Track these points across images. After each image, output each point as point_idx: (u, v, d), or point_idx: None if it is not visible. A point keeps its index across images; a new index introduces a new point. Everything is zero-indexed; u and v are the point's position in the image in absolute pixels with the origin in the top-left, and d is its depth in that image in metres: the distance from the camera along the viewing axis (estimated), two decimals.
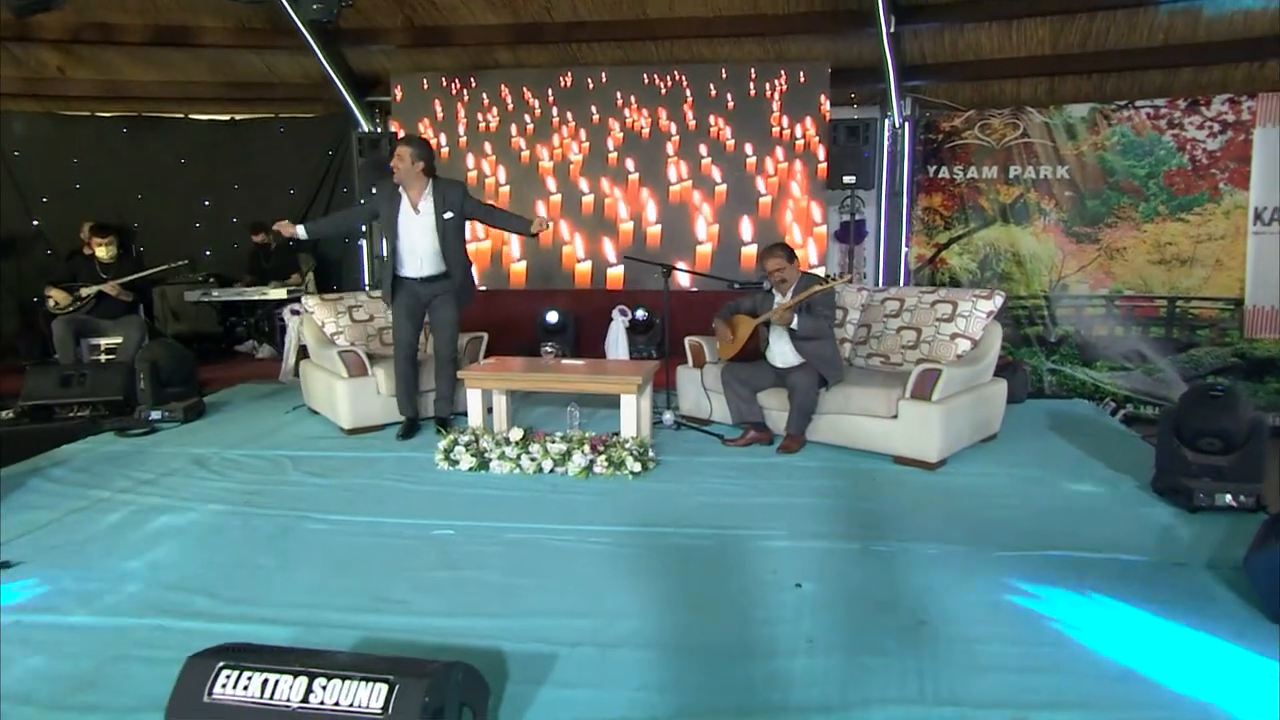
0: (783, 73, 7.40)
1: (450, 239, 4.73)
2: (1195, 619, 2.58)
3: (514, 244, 7.84)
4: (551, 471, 4.10)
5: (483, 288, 7.87)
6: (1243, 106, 6.52)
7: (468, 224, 4.94)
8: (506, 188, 7.81)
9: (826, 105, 7.31)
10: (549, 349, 4.69)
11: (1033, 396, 6.37)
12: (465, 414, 4.69)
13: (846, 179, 7.06)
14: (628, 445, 4.12)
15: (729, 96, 7.49)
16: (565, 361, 4.59)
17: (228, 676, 1.71)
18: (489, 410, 4.59)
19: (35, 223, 8.28)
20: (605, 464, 4.04)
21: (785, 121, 7.39)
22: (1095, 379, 6.95)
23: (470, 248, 7.68)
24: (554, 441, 4.15)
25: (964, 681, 2.27)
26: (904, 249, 7.57)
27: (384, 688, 1.65)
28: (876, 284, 7.71)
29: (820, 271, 7.28)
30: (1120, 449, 4.48)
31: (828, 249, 7.61)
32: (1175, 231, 6.78)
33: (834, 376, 4.38)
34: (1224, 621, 2.57)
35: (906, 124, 7.43)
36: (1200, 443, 3.54)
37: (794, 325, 4.34)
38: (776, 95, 7.41)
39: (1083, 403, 6.07)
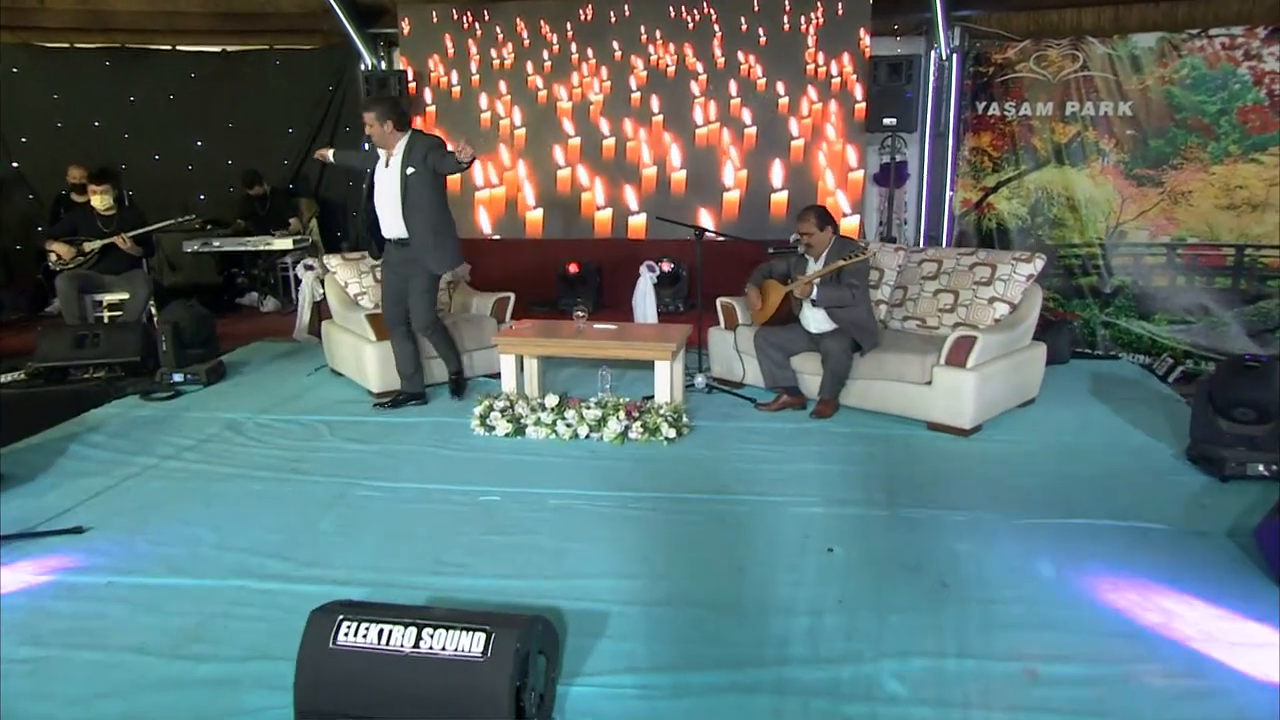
0: (819, 4, 7.76)
1: (412, 195, 4.97)
2: (1205, 585, 3.16)
3: (528, 190, 8.32)
4: (587, 437, 4.71)
5: (496, 237, 8.41)
6: None
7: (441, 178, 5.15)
8: (522, 130, 8.28)
9: (866, 40, 7.69)
10: (579, 312, 5.23)
11: (1081, 354, 6.88)
12: (498, 375, 5.27)
13: (887, 121, 7.46)
14: (662, 411, 4.70)
15: (760, 31, 7.88)
16: (597, 326, 5.13)
17: (348, 627, 2.32)
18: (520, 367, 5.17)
19: (15, 165, 8.81)
20: (640, 430, 4.64)
21: (821, 59, 7.78)
22: (1152, 333, 7.38)
23: (483, 194, 8.27)
24: (589, 408, 4.74)
25: (981, 638, 2.86)
26: (948, 193, 7.96)
27: (482, 636, 2.25)
28: (918, 230, 8.17)
29: (856, 221, 7.75)
30: (1161, 414, 5.02)
31: (863, 195, 8.04)
32: (1247, 173, 7.05)
33: (868, 342, 4.93)
34: (1231, 587, 3.15)
35: (954, 56, 7.76)
36: (1235, 412, 4.09)
37: (813, 297, 4.88)
38: (812, 30, 7.79)
39: (1128, 364, 6.57)
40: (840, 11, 7.73)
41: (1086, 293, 7.56)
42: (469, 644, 2.24)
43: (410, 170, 4.94)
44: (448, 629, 2.27)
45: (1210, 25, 7.11)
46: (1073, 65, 7.54)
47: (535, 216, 8.37)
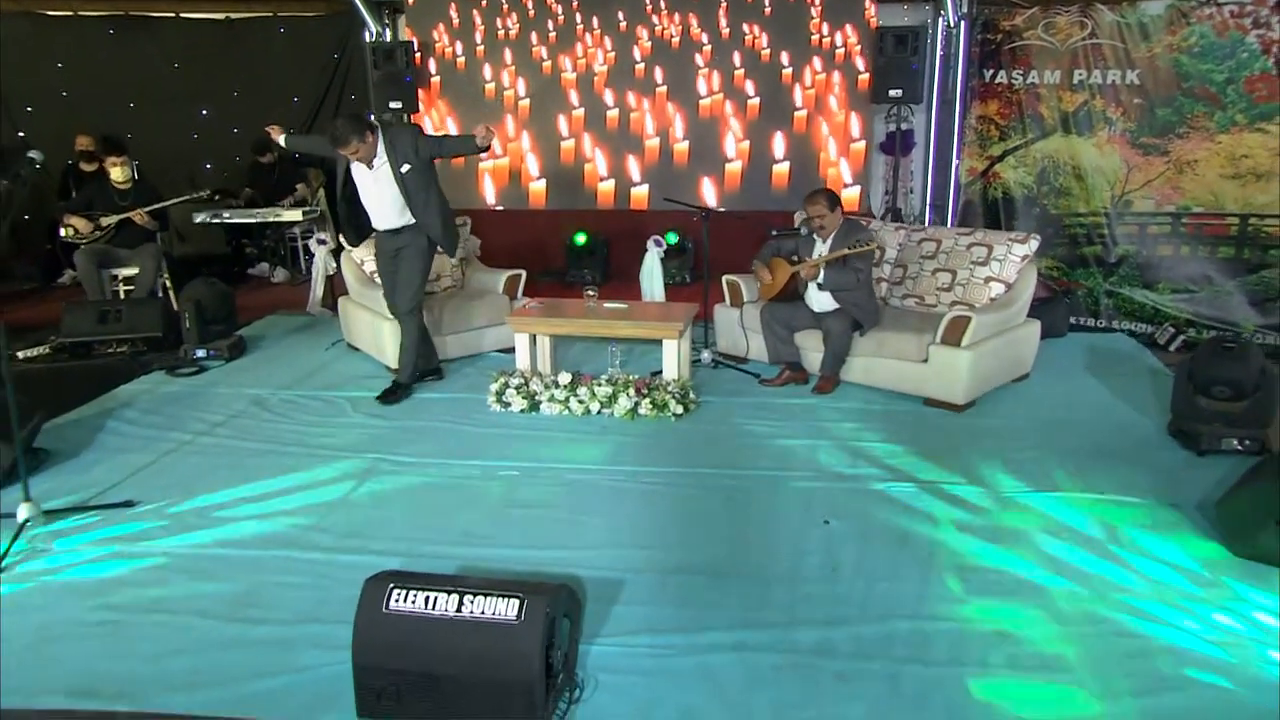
0: None
1: (415, 190, 5.18)
2: (1168, 555, 3.59)
3: (531, 161, 8.67)
4: (599, 413, 5.13)
5: (500, 208, 8.77)
6: None
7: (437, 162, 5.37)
8: (526, 101, 8.63)
9: (872, 10, 7.98)
10: (589, 291, 5.61)
11: (1079, 327, 7.26)
12: (511, 350, 5.67)
13: (893, 92, 7.78)
14: (670, 388, 5.11)
15: (766, 2, 8.19)
16: (607, 305, 5.51)
17: (399, 594, 2.74)
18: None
19: (20, 134, 9.17)
20: (649, 406, 5.05)
21: (826, 29, 8.09)
22: (1156, 302, 7.73)
23: (487, 165, 8.61)
24: (600, 385, 5.16)
25: (958, 602, 3.30)
26: (954, 162, 8.28)
27: (516, 602, 2.66)
28: (924, 199, 8.50)
29: (857, 192, 8.05)
30: (1149, 389, 5.41)
31: (865, 165, 8.37)
32: (1253, 143, 7.29)
33: (869, 322, 5.33)
34: (1192, 556, 3.58)
35: (962, 23, 8.03)
36: (1213, 390, 4.49)
37: (819, 280, 5.27)
38: (817, 0, 8.08)
39: (1123, 337, 6.94)
40: None
41: (1091, 262, 7.85)
42: (505, 609, 2.66)
43: (406, 167, 5.12)
44: (485, 595, 2.70)
45: None
46: (1081, 32, 7.77)
47: (539, 187, 8.74)
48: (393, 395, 5.48)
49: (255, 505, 4.16)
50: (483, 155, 8.31)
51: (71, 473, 4.54)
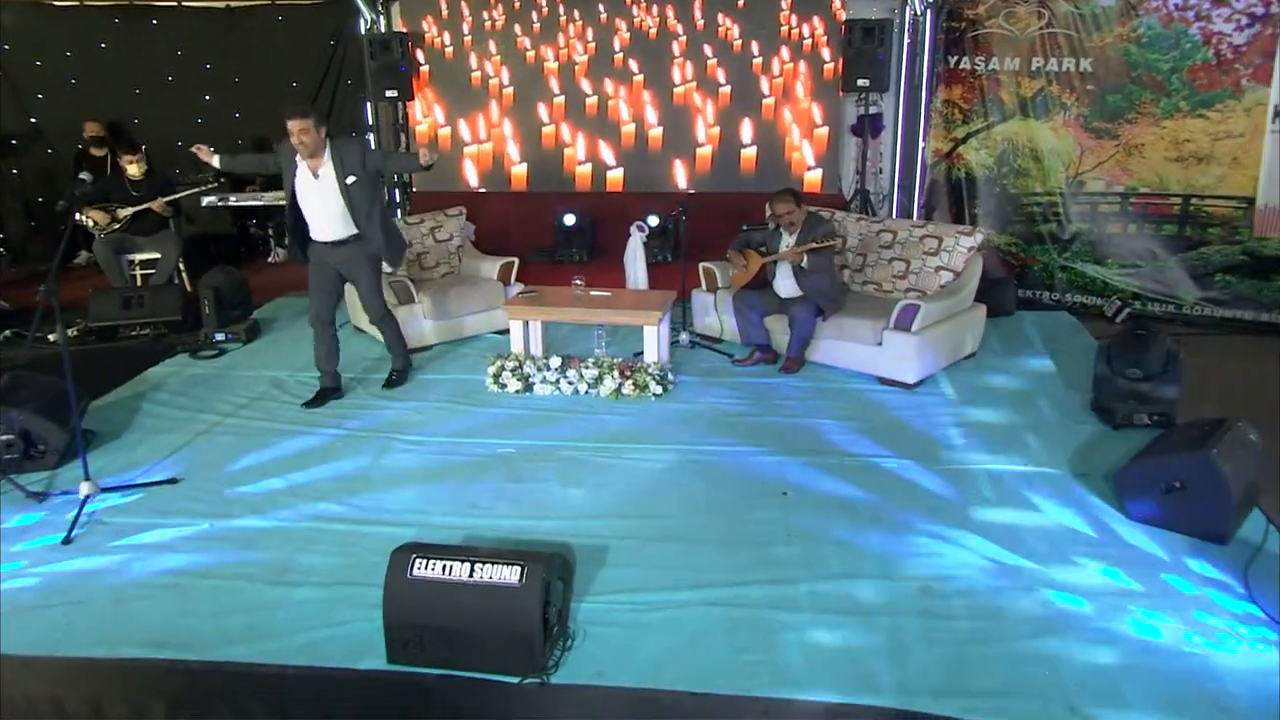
0: None
1: (359, 201, 5.26)
2: (1074, 518, 4.17)
3: (511, 146, 9.14)
4: (586, 393, 5.67)
5: (483, 190, 9.23)
6: None
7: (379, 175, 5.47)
8: (510, 89, 9.10)
9: (839, 3, 8.41)
10: (577, 280, 6.11)
11: (1034, 302, 7.80)
12: (505, 331, 6.17)
13: (860, 82, 8.22)
14: (650, 370, 5.65)
15: None
16: (593, 293, 6.01)
17: (420, 562, 3.28)
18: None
19: (33, 120, 9.55)
20: (632, 387, 5.59)
21: (794, 20, 8.56)
22: (1105, 276, 8.23)
23: (471, 150, 9.05)
24: (588, 368, 5.69)
25: (893, 563, 3.88)
26: (921, 143, 8.74)
27: (518, 569, 3.20)
28: (893, 179, 8.99)
29: (819, 175, 8.53)
30: (1083, 365, 5.89)
31: (827, 149, 8.85)
32: (1195, 128, 7.72)
33: (830, 309, 5.87)
34: (1093, 520, 4.16)
35: (928, 12, 8.45)
36: (1127, 372, 5.06)
37: (804, 264, 5.79)
38: None
39: (1065, 315, 7.47)
40: None
41: (1046, 239, 8.30)
42: (508, 575, 3.21)
43: (352, 179, 5.19)
44: (492, 564, 3.25)
45: None
46: (1039, 22, 8.17)
47: (520, 171, 9.26)
48: (399, 380, 5.90)
49: (283, 480, 4.70)
50: (468, 141, 8.82)
51: (118, 452, 5.07)
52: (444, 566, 3.27)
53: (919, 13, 8.41)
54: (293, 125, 5.02)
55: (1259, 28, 7.39)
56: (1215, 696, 3.08)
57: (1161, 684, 3.13)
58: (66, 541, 4.17)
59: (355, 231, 5.38)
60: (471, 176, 9.33)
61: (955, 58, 8.44)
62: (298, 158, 5.20)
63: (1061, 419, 5.25)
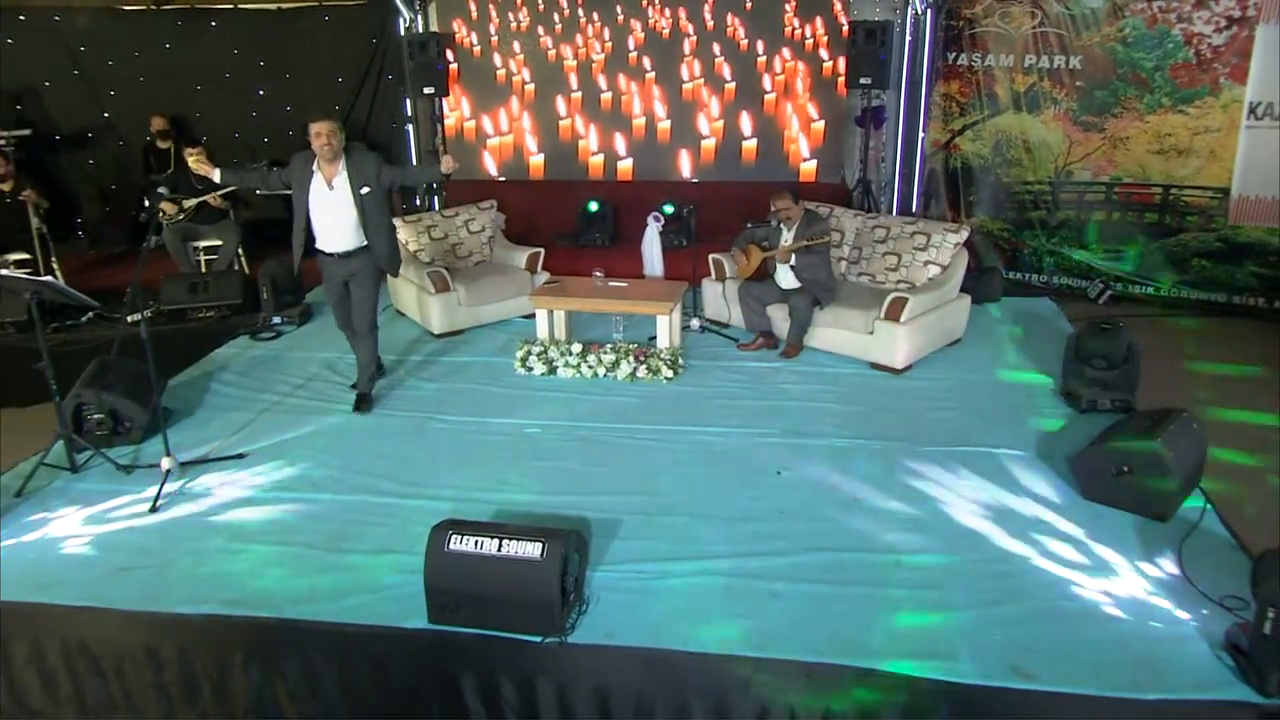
0: None
1: (370, 212, 5.19)
2: (1035, 497, 4.44)
3: (530, 138, 9.39)
4: (605, 376, 5.95)
5: (502, 179, 9.52)
6: (1249, 2, 7.38)
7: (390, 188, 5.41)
8: (532, 86, 9.34)
9: (839, 6, 8.54)
10: (597, 272, 6.37)
11: (1023, 284, 7.98)
12: (532, 316, 6.43)
13: (863, 80, 8.34)
14: (663, 355, 5.92)
15: None
16: (612, 283, 6.28)
17: (456, 538, 3.60)
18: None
19: (106, 115, 9.89)
20: (646, 371, 5.88)
21: (797, 22, 8.70)
22: (1089, 260, 8.39)
23: (493, 142, 9.28)
24: (606, 353, 5.97)
25: (871, 537, 4.16)
26: (920, 134, 8.87)
27: (540, 545, 3.51)
28: (894, 167, 9.13)
29: (814, 165, 8.68)
30: (1057, 352, 6.00)
31: (823, 142, 9.03)
32: (1175, 123, 7.82)
33: (827, 299, 6.10)
34: (1050, 499, 4.42)
35: (929, 11, 8.54)
36: (1092, 361, 5.28)
37: (793, 263, 6.02)
38: None
39: (1046, 301, 7.61)
40: None
41: (1036, 225, 8.46)
42: (531, 550, 3.52)
43: (365, 190, 5.15)
44: (518, 540, 3.56)
45: None
46: (1032, 21, 8.24)
47: (538, 161, 9.50)
48: (364, 405, 5.60)
49: (335, 457, 5.03)
50: (490, 133, 9.06)
51: (192, 428, 5.43)
52: (476, 542, 3.58)
53: (920, 12, 8.49)
54: (321, 127, 5.02)
55: (1236, 30, 7.47)
56: (1145, 660, 3.35)
57: (1096, 648, 3.41)
58: (153, 510, 4.54)
59: (364, 243, 5.30)
60: (491, 166, 9.61)
61: (953, 54, 8.54)
62: (314, 166, 5.16)
63: (1033, 404, 5.49)
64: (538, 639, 3.53)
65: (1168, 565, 3.90)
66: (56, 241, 8.37)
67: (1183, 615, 3.59)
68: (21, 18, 9.51)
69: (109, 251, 9.50)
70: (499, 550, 3.55)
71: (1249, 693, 3.18)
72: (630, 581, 3.87)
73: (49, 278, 4.92)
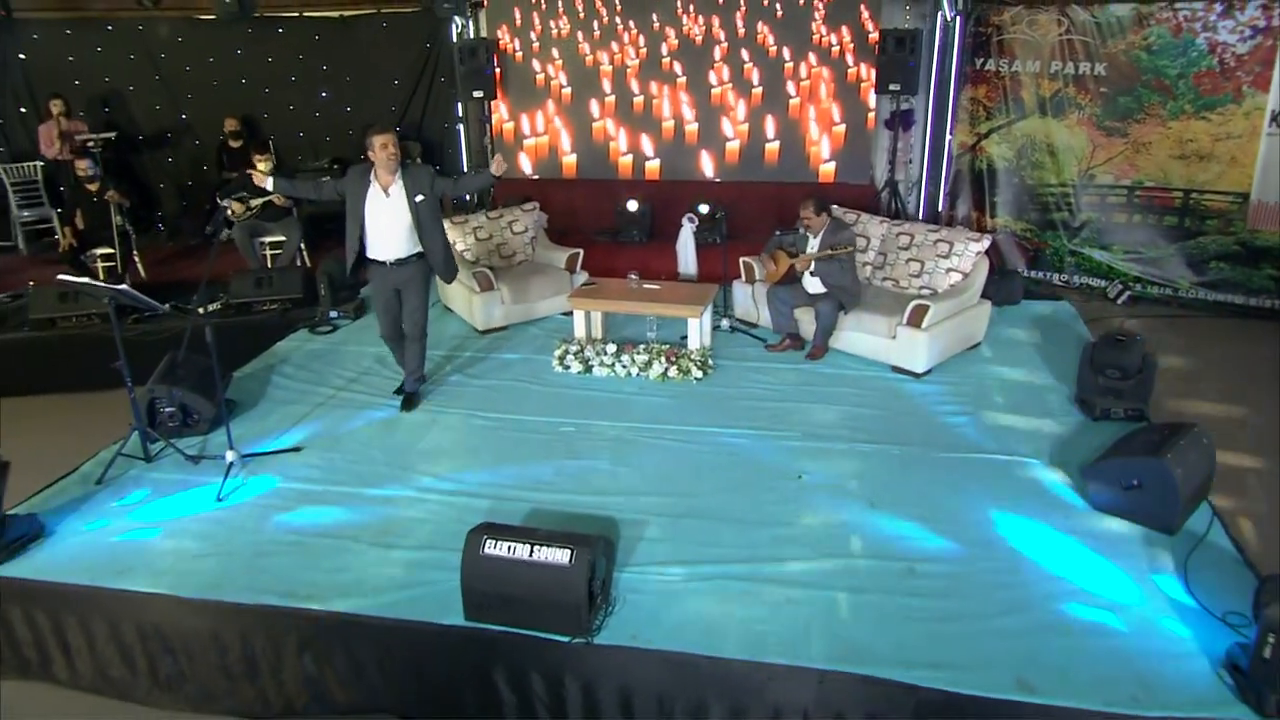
0: None
1: (425, 220, 5.17)
2: (1047, 506, 4.33)
3: (564, 138, 9.33)
4: (638, 375, 5.91)
5: (535, 177, 9.51)
6: (1274, 12, 7.09)
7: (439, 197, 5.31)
8: (568, 89, 9.27)
9: (865, 15, 8.34)
10: (632, 275, 6.31)
11: (1040, 285, 7.79)
12: (569, 313, 6.40)
13: (892, 86, 8.15)
14: (693, 356, 5.86)
15: (778, 6, 8.61)
16: (645, 286, 6.21)
17: (490, 543, 3.60)
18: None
19: (184, 116, 10.01)
20: (677, 371, 5.82)
21: (824, 29, 8.50)
22: (1109, 261, 8.17)
23: (530, 142, 9.21)
24: (639, 353, 5.92)
25: (886, 544, 4.09)
26: (948, 137, 8.66)
27: (568, 551, 3.50)
28: (921, 168, 8.92)
29: (833, 167, 8.51)
30: (1072, 357, 5.74)
31: (843, 145, 8.83)
32: (1198, 129, 7.55)
33: (851, 304, 5.99)
34: (1062, 508, 4.31)
35: (958, 18, 8.29)
36: (1107, 371, 5.12)
37: (811, 270, 5.93)
38: (822, 4, 8.49)
39: (1065, 305, 7.33)
40: None
41: (1059, 226, 8.26)
42: (560, 556, 3.51)
43: (420, 198, 5.13)
44: (548, 546, 3.55)
45: None
46: (1058, 29, 7.98)
47: (570, 160, 9.43)
48: (411, 404, 5.61)
49: (382, 452, 5.06)
50: (527, 134, 8.99)
51: (254, 420, 5.49)
52: (509, 547, 3.58)
53: (949, 19, 8.26)
54: (384, 139, 5.00)
55: (1260, 39, 7.23)
56: (1146, 676, 3.26)
57: (1099, 662, 3.33)
58: (219, 499, 4.61)
59: (419, 250, 5.27)
60: (526, 165, 9.58)
61: (981, 59, 8.35)
62: (371, 176, 5.12)
63: (1048, 410, 5.33)
64: (566, 639, 3.53)
65: (1173, 579, 3.79)
66: (139, 234, 8.54)
67: (1185, 632, 3.49)
68: (109, 28, 9.73)
69: (185, 244, 9.63)
70: (530, 555, 3.55)
71: (1247, 712, 3.10)
72: (654, 583, 3.85)
73: (123, 286, 4.98)
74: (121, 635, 3.96)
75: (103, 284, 5.02)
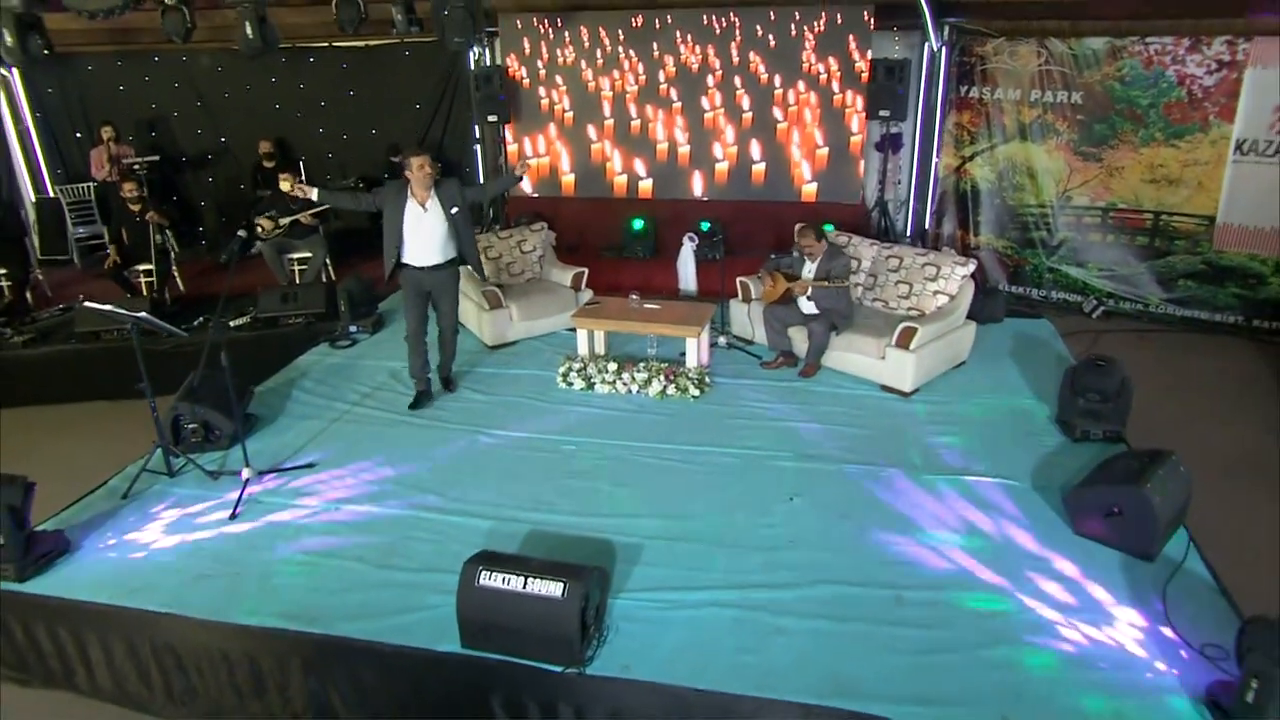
0: (824, 15, 8.02)
1: (462, 228, 5.27)
2: (1028, 532, 4.01)
3: (564, 159, 9.01)
4: (638, 392, 5.60)
5: (535, 194, 9.18)
6: (1239, 48, 6.85)
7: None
8: (571, 113, 8.92)
9: (853, 46, 7.98)
10: (633, 295, 6.00)
11: (1020, 300, 7.51)
12: (574, 329, 6.02)
13: (882, 113, 7.82)
14: (691, 374, 5.55)
15: (771, 37, 8.22)
16: (646, 305, 5.89)
17: (485, 573, 3.31)
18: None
19: (223, 139, 9.76)
20: (675, 389, 5.51)
21: (813, 59, 8.14)
22: (1084, 278, 7.87)
23: (532, 163, 8.92)
24: (639, 371, 5.61)
25: (875, 570, 3.78)
26: (934, 160, 8.34)
27: (561, 584, 3.22)
28: (909, 189, 8.58)
29: (814, 188, 8.17)
30: (1053, 376, 5.45)
31: (826, 168, 8.45)
32: (1167, 155, 7.31)
33: (843, 325, 5.67)
34: (1044, 533, 3.99)
35: (944, 48, 7.96)
36: (1087, 395, 4.79)
37: (809, 295, 5.60)
38: (812, 35, 8.11)
39: (1045, 324, 6.96)
40: (839, 21, 8.02)
41: (1037, 244, 7.98)
42: (553, 589, 3.23)
43: (455, 210, 5.21)
44: (541, 578, 3.26)
45: (1147, 34, 7.21)
46: (1038, 60, 7.70)
47: (569, 180, 9.08)
48: (449, 387, 5.73)
49: (392, 469, 4.77)
50: (530, 155, 8.66)
51: (272, 436, 5.21)
52: (504, 578, 3.31)
53: (936, 49, 7.94)
54: (420, 160, 5.08)
55: (1225, 73, 7.02)
56: (1127, 711, 2.98)
57: (1081, 695, 3.06)
58: (232, 517, 4.34)
59: (454, 255, 5.34)
60: (526, 184, 9.27)
61: (966, 87, 8.07)
62: (408, 191, 5.14)
63: (1030, 431, 5.00)
64: (559, 669, 3.25)
65: (1152, 609, 3.49)
66: (182, 249, 8.37)
67: (1164, 665, 3.20)
68: (155, 59, 9.56)
69: (221, 258, 9.34)
70: (524, 587, 3.27)
71: None
72: (647, 611, 3.57)
73: (142, 313, 4.75)
74: (137, 651, 3.74)
75: (124, 311, 4.77)
